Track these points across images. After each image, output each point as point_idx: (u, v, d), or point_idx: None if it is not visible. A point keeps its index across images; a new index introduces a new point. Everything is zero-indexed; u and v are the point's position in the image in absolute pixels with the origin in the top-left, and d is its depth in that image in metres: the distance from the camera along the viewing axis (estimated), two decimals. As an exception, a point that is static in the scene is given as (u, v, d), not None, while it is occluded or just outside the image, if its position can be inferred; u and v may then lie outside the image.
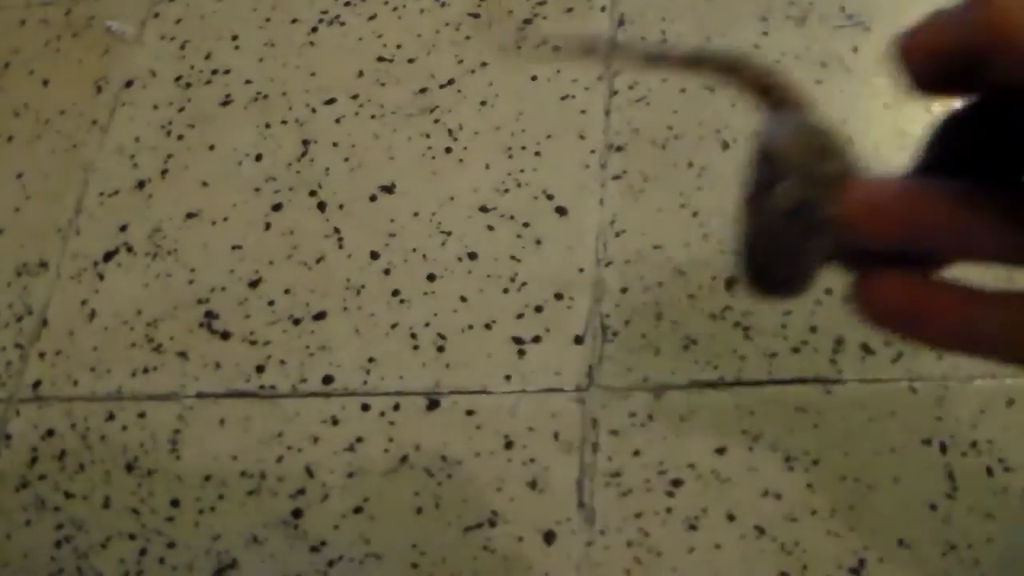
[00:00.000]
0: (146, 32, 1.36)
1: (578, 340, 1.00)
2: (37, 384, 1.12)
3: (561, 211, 1.08)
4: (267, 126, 1.23)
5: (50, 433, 1.08)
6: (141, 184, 1.23)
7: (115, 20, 1.38)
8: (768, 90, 0.61)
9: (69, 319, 1.15)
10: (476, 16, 1.24)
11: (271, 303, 1.10)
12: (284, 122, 1.22)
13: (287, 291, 1.10)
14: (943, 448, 0.88)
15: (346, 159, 1.17)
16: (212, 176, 1.21)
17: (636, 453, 0.94)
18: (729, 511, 0.89)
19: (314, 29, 1.29)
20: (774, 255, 0.60)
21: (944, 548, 0.84)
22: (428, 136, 1.16)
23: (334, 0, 1.31)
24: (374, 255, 1.10)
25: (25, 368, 1.13)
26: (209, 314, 1.11)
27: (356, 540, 0.95)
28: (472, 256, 1.07)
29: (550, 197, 1.09)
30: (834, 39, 1.10)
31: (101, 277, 1.17)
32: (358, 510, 0.97)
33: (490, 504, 0.94)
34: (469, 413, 0.99)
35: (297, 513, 0.98)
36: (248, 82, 1.27)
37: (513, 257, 1.06)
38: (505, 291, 1.04)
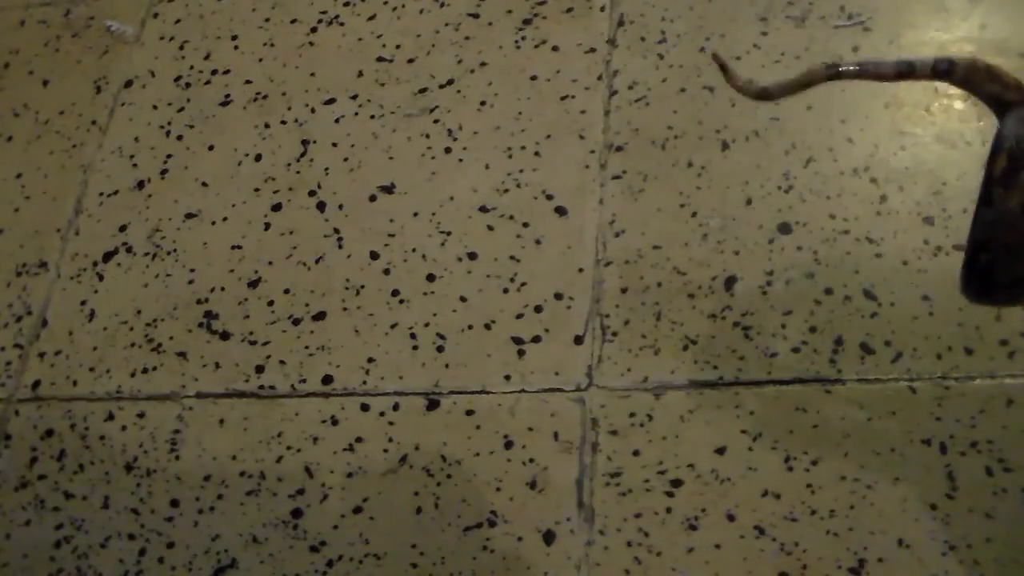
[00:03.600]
0: (146, 32, 1.36)
1: (578, 340, 1.00)
2: (37, 384, 1.12)
3: (561, 211, 1.08)
4: (267, 126, 1.23)
5: (50, 433, 1.08)
6: (141, 184, 1.23)
7: (115, 20, 1.38)
8: (1006, 88, 0.61)
9: (69, 319, 1.15)
10: (476, 16, 1.24)
11: (271, 303, 1.10)
12: (284, 122, 1.22)
13: (287, 291, 1.10)
14: (943, 448, 0.88)
15: (346, 159, 1.17)
16: (212, 176, 1.21)
17: (636, 453, 0.93)
18: (729, 511, 0.89)
19: (314, 29, 1.29)
20: (1007, 253, 0.60)
21: (944, 548, 0.84)
22: (428, 136, 1.16)
23: (334, 0, 1.31)
24: (374, 255, 1.10)
25: (25, 368, 1.13)
26: (209, 314, 1.11)
27: (356, 540, 0.95)
28: (472, 256, 1.07)
29: (550, 197, 1.09)
30: (834, 39, 1.10)
31: (101, 277, 1.17)
32: (358, 510, 0.97)
33: (490, 504, 0.94)
34: (469, 413, 0.99)
35: (297, 513, 0.98)
36: (248, 82, 1.27)
37: (513, 257, 1.06)
38: (505, 291, 1.04)
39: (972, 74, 0.63)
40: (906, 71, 0.64)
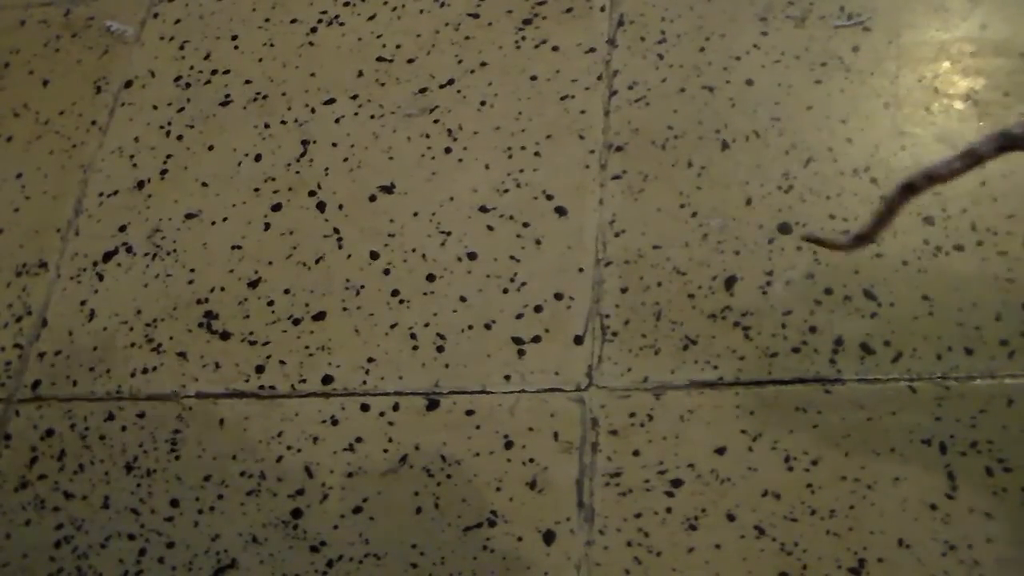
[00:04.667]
0: (146, 32, 1.36)
1: (578, 340, 1.00)
2: (37, 384, 1.12)
3: (561, 211, 1.08)
4: (267, 126, 1.23)
5: (50, 433, 1.08)
6: (141, 184, 1.23)
7: (115, 20, 1.38)
8: None
9: (69, 319, 1.15)
10: (476, 16, 1.24)
11: (271, 303, 1.10)
12: (284, 122, 1.22)
13: (287, 291, 1.10)
14: (943, 448, 0.88)
15: (346, 159, 1.17)
16: (212, 176, 1.21)
17: (636, 453, 0.93)
18: (729, 511, 0.89)
19: (313, 29, 1.29)
20: None
21: (944, 548, 0.84)
22: (428, 136, 1.16)
23: (334, 0, 1.31)
24: (374, 255, 1.10)
25: (25, 368, 1.13)
26: (209, 314, 1.11)
27: (356, 540, 0.95)
28: (472, 256, 1.07)
29: (550, 197, 1.09)
30: (834, 39, 1.10)
31: (101, 277, 1.17)
32: (358, 510, 0.97)
33: (490, 504, 0.94)
34: (469, 413, 0.99)
35: (297, 513, 0.98)
36: (248, 82, 1.27)
37: (513, 257, 1.06)
38: (505, 291, 1.04)
39: None
40: (974, 160, 0.63)
